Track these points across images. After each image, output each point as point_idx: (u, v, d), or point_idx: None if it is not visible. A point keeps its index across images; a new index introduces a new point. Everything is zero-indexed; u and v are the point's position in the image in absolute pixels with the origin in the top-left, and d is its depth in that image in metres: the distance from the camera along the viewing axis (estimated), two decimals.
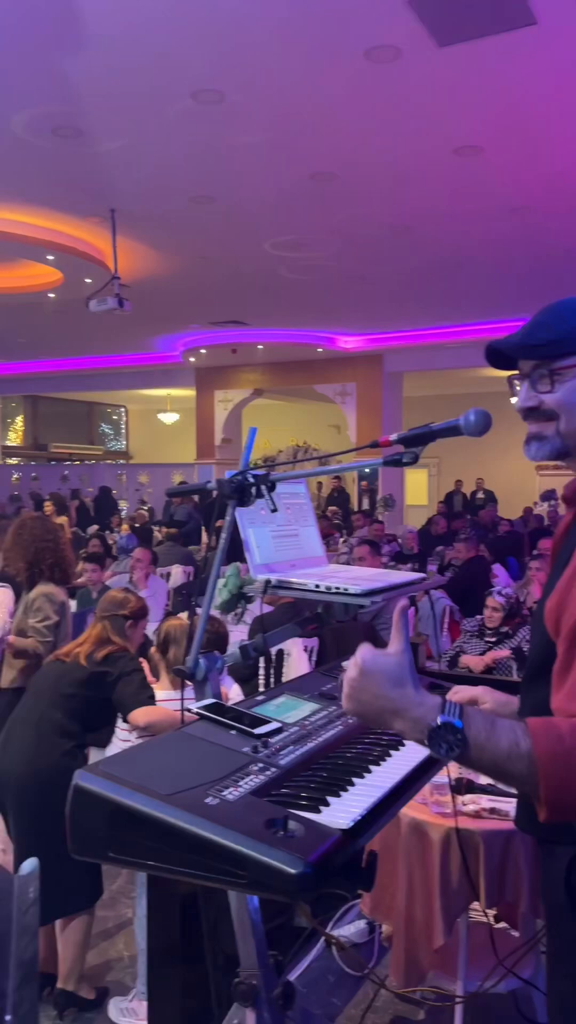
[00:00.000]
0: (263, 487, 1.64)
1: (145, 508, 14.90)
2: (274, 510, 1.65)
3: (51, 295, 10.01)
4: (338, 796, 1.20)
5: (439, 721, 1.05)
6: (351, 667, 1.10)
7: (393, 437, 1.49)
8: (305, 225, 7.62)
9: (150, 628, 5.52)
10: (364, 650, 1.11)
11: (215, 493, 1.66)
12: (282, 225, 7.63)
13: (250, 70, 4.74)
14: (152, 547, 8.11)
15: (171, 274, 9.35)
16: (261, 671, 4.38)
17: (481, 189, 6.66)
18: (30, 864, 1.20)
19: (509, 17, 4.12)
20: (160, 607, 5.91)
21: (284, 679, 4.23)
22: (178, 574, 7.92)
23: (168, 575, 7.78)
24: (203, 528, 12.11)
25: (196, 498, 14.52)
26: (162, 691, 2.64)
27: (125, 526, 10.97)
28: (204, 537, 11.67)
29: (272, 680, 4.25)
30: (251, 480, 1.63)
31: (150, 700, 2.59)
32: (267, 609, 4.54)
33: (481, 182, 6.50)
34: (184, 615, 2.64)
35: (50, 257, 8.43)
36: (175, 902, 1.95)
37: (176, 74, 4.81)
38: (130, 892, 3.43)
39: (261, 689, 4.17)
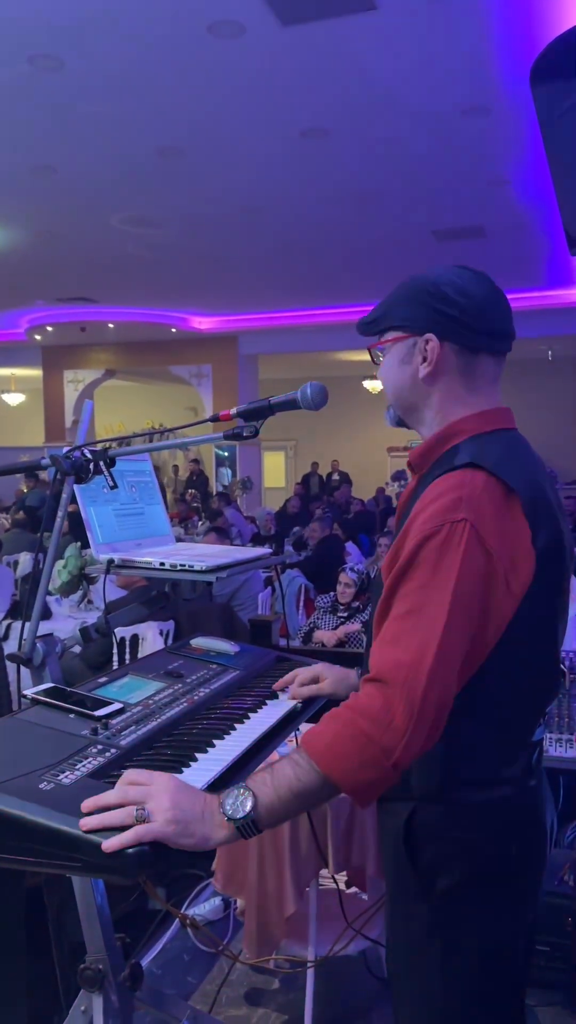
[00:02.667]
0: (101, 463, 1.60)
1: None
2: (113, 487, 1.62)
3: None
4: (179, 772, 1.20)
5: (230, 821, 1.07)
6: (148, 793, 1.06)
7: (233, 411, 1.50)
8: (153, 201, 7.47)
9: None
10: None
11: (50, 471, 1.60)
12: (129, 200, 7.44)
13: (90, 37, 4.57)
14: None
15: (12, 248, 8.91)
16: (115, 658, 4.29)
17: (328, 173, 6.77)
18: None
19: (350, 1, 4.20)
20: (6, 597, 5.66)
21: None
22: (26, 562, 7.61)
23: (15, 563, 7.46)
24: None
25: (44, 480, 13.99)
26: None
27: None
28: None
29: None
30: (88, 456, 1.59)
31: None
32: (121, 594, 4.46)
33: (328, 165, 6.61)
34: None
35: None
36: (18, 895, 1.89)
37: (12, 39, 4.55)
38: None
39: None
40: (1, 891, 1.86)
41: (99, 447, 1.62)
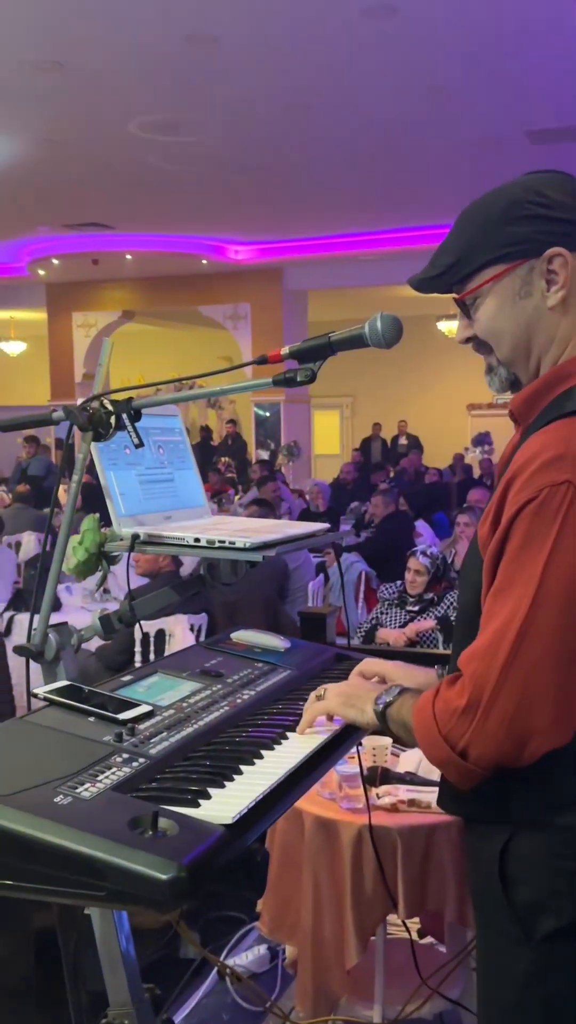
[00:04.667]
0: (125, 416, 1.61)
1: None
2: (139, 445, 1.63)
3: None
4: (221, 787, 1.21)
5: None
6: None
7: (285, 350, 1.49)
8: (181, 101, 7.45)
9: None
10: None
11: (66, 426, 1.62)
12: (152, 100, 7.43)
13: None
14: None
15: (11, 162, 8.98)
16: (138, 656, 4.36)
17: (395, 61, 6.66)
18: None
19: None
20: (8, 584, 5.78)
21: None
22: (31, 543, 7.76)
23: (18, 545, 7.62)
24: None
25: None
26: None
27: None
28: (63, 495, 11.46)
29: None
30: (108, 407, 1.60)
31: None
32: (142, 582, 4.51)
33: (395, 52, 6.50)
34: None
35: None
36: (27, 936, 1.94)
37: None
38: None
39: None
40: (7, 931, 1.92)
41: (121, 397, 1.63)
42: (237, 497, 10.60)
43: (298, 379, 1.49)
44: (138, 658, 4.44)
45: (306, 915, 2.30)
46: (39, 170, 9.24)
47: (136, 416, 1.64)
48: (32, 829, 1.04)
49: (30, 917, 1.90)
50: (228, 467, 13.82)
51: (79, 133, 8.19)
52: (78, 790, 1.13)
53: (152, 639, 4.41)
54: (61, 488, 12.13)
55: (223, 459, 14.39)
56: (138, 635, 4.38)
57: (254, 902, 2.50)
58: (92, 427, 1.60)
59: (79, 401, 1.61)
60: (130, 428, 1.61)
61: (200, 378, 1.76)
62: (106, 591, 5.69)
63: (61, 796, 1.11)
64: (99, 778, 1.17)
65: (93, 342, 15.19)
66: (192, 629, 4.63)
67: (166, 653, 4.41)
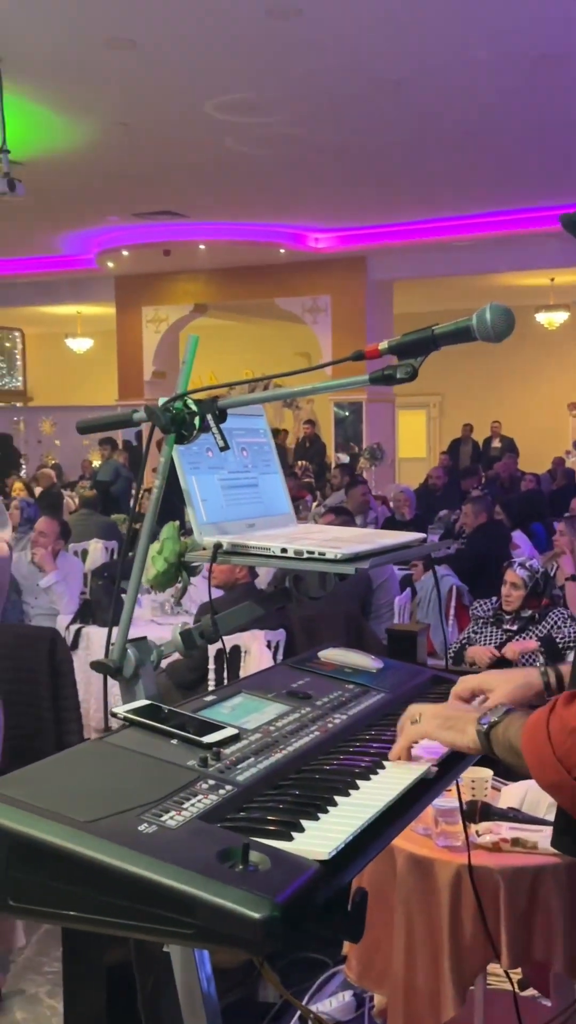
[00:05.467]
0: (209, 417, 1.62)
1: (51, 465, 14.78)
2: (224, 447, 1.64)
3: None
4: (315, 819, 1.20)
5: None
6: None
7: (383, 345, 1.49)
8: (259, 80, 7.52)
9: (62, 622, 5.53)
10: None
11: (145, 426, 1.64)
12: (230, 79, 7.51)
13: None
14: (61, 516, 8.06)
15: (80, 147, 9.18)
16: (211, 675, 4.39)
17: (497, 29, 6.60)
18: None
19: None
20: (74, 595, 5.88)
21: None
22: (98, 551, 7.89)
23: (84, 553, 7.75)
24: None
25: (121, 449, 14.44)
26: None
27: (18, 486, 10.82)
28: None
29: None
30: (193, 407, 1.61)
31: None
32: (216, 594, 4.54)
33: (497, 19, 6.45)
34: None
35: None
36: (99, 972, 1.96)
37: None
38: (43, 966, 3.44)
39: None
40: (78, 965, 1.94)
41: (205, 396, 1.65)
42: (315, 504, 10.61)
43: (398, 376, 1.49)
44: (211, 675, 4.47)
45: (398, 961, 2.28)
46: (110, 156, 9.42)
47: (221, 417, 1.65)
48: (116, 859, 1.05)
49: (102, 951, 1.93)
50: (305, 471, 13.84)
51: (152, 115, 8.32)
52: (163, 818, 1.14)
53: (226, 656, 4.43)
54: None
55: (300, 462, 14.42)
56: (211, 651, 4.41)
57: (340, 943, 2.49)
58: (175, 429, 1.62)
59: (160, 401, 1.62)
60: (215, 430, 1.63)
61: (285, 376, 1.76)
62: (178, 603, 5.76)
63: (145, 824, 1.12)
64: (184, 806, 1.18)
65: (163, 338, 15.40)
66: (269, 646, 4.64)
67: (241, 671, 4.43)
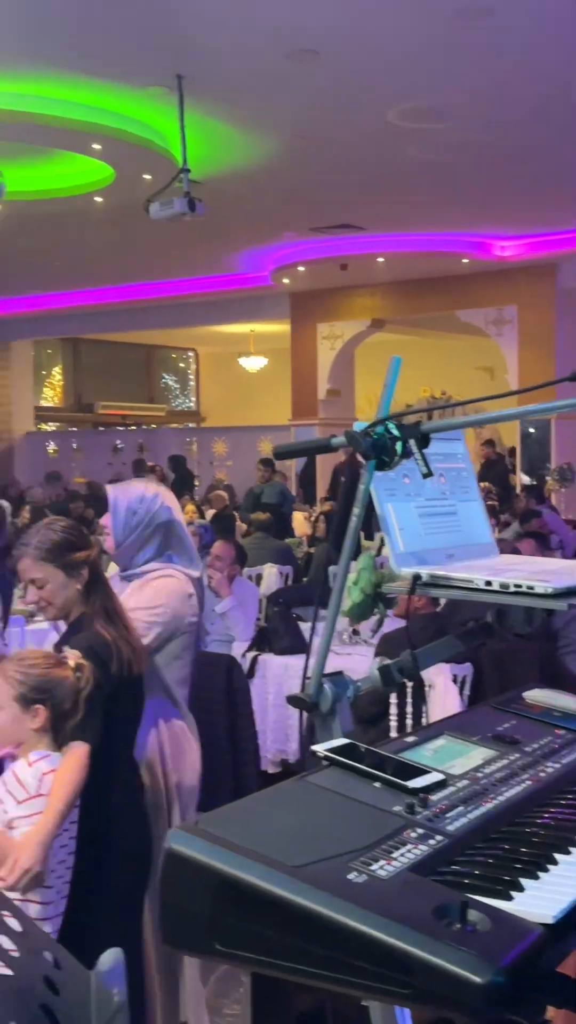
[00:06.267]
0: (412, 442, 1.62)
1: (222, 487, 15.12)
2: (428, 474, 1.63)
3: (98, 199, 10.20)
4: (535, 878, 1.17)
5: None
6: None
7: None
8: (447, 84, 7.51)
9: (237, 649, 5.62)
10: None
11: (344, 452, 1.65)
12: (414, 85, 7.54)
13: None
14: (235, 539, 8.22)
15: (258, 163, 9.40)
16: (393, 709, 4.36)
17: None
18: (112, 957, 1.21)
19: None
20: (250, 621, 5.97)
21: (426, 720, 4.19)
22: (272, 576, 7.99)
23: (258, 577, 7.86)
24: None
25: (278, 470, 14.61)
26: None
27: (190, 508, 11.09)
28: (302, 525, 11.73)
29: (410, 722, 4.23)
30: (395, 432, 1.61)
31: None
32: (397, 624, 4.51)
33: None
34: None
35: (96, 146, 8.60)
36: (288, 1019, 1.97)
37: None
38: (223, 1008, 3.48)
39: (393, 734, 4.16)
40: (266, 1014, 1.95)
41: (407, 420, 1.64)
42: (497, 530, 10.41)
43: None
44: (393, 710, 4.44)
45: None
46: (288, 170, 9.59)
47: (424, 442, 1.64)
48: (328, 908, 1.05)
49: (292, 997, 1.93)
50: (488, 494, 13.61)
51: (332, 127, 8.43)
52: (372, 867, 1.13)
53: (409, 691, 4.39)
54: (300, 516, 12.49)
55: (482, 484, 14.19)
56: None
57: (544, 1008, 2.40)
58: (376, 455, 1.61)
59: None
60: (418, 456, 1.62)
61: (491, 399, 1.73)
62: (355, 632, 5.76)
63: (355, 873, 1.11)
64: (393, 855, 1.17)
65: (339, 355, 15.52)
66: (455, 680, 4.58)
67: (426, 707, 4.39)
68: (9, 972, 0.90)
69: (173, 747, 3.18)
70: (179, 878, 1.14)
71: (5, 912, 0.96)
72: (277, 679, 5.32)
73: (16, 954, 0.90)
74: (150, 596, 3.09)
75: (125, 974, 1.24)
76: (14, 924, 0.95)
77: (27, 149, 8.99)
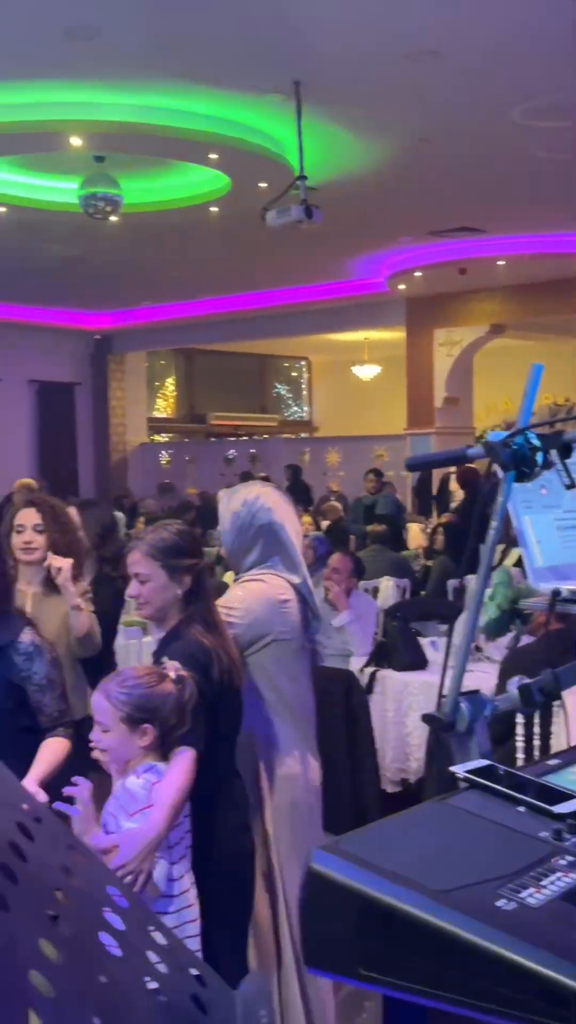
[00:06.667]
0: (554, 452, 1.60)
1: (336, 498, 15.11)
2: (571, 485, 1.61)
3: (213, 209, 10.34)
4: None
5: None
6: None
7: None
8: (571, 80, 7.37)
9: (355, 664, 5.60)
10: None
11: (481, 464, 1.63)
12: (537, 83, 7.44)
13: None
14: (351, 551, 8.21)
15: (376, 167, 9.40)
16: (520, 728, 4.28)
17: None
18: (258, 980, 1.21)
19: None
20: (368, 635, 5.95)
21: (555, 742, 4.11)
22: (389, 589, 7.94)
23: (375, 590, 7.82)
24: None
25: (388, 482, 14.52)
26: None
27: (307, 520, 11.10)
28: (418, 537, 11.65)
29: (537, 743, 4.15)
30: (535, 442, 1.59)
31: None
32: (524, 640, 4.44)
33: None
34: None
35: (212, 156, 8.73)
36: None
37: None
38: None
39: (520, 755, 4.09)
40: None
41: (549, 430, 1.62)
42: None
43: None
44: (519, 730, 4.36)
45: None
46: (406, 174, 9.56)
47: (566, 452, 1.62)
48: (479, 937, 1.04)
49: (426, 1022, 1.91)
50: None
51: (454, 128, 8.37)
52: (522, 895, 1.12)
53: (537, 710, 4.31)
54: (416, 527, 12.40)
55: None
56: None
57: None
58: (515, 466, 1.60)
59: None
60: (561, 466, 1.60)
61: None
62: (478, 648, 5.68)
63: (504, 900, 1.10)
64: (543, 883, 1.15)
65: (456, 361, 15.39)
66: None
67: (555, 727, 4.29)
68: (156, 985, 0.91)
69: (267, 762, 3.11)
70: (322, 899, 1.14)
71: (151, 926, 0.97)
72: (397, 696, 5.27)
73: (164, 969, 0.91)
74: (232, 597, 3.10)
75: (272, 999, 1.24)
76: (159, 938, 0.96)
77: (143, 161, 9.19)
